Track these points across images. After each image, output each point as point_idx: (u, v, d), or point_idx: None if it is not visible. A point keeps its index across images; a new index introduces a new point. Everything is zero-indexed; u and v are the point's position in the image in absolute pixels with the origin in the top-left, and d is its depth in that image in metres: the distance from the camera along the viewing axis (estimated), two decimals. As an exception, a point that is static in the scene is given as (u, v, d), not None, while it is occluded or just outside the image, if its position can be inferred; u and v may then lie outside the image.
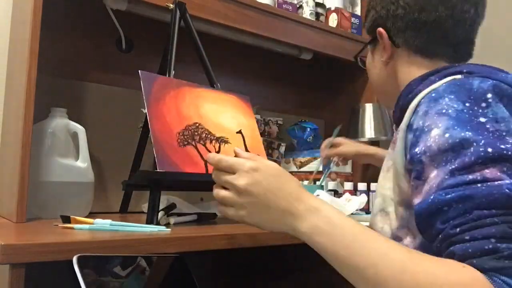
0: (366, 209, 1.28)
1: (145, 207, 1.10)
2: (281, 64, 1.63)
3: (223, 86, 1.13)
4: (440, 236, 0.53)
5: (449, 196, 0.53)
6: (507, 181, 0.51)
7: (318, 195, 1.03)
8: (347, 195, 1.19)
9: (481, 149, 0.53)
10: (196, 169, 0.91)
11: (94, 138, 1.14)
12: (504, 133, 0.55)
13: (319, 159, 1.41)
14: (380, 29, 0.78)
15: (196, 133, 0.96)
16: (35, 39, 0.87)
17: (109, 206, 1.19)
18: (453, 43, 0.74)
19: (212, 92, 1.08)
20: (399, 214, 0.67)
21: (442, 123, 0.57)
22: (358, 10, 1.70)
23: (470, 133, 0.55)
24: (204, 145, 0.96)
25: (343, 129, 1.63)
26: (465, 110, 0.57)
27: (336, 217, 0.57)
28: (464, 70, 0.66)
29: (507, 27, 1.51)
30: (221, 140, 1.00)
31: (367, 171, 1.61)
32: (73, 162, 0.99)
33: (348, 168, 1.50)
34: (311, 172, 1.37)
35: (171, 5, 1.09)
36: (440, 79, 0.66)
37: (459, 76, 0.64)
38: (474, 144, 0.54)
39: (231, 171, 0.65)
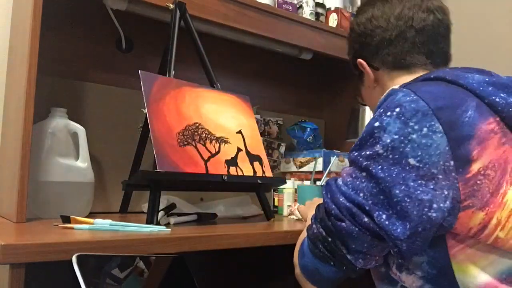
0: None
1: (145, 207, 1.10)
2: (281, 64, 1.63)
3: (223, 86, 1.13)
4: None
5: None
6: (338, 179, 0.71)
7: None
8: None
9: (353, 151, 0.69)
10: (196, 169, 0.91)
11: (94, 138, 1.14)
12: (379, 141, 0.64)
13: (319, 159, 1.41)
14: (359, 60, 0.87)
15: (196, 133, 0.96)
16: (35, 39, 0.87)
17: (109, 206, 1.19)
18: (423, 51, 0.80)
19: (212, 92, 1.08)
20: None
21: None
22: (358, 10, 1.70)
23: (361, 136, 0.68)
24: (204, 145, 0.96)
25: (343, 129, 1.63)
26: (375, 117, 0.67)
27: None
28: (432, 76, 0.72)
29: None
30: (221, 140, 1.00)
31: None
32: (73, 162, 0.99)
33: (348, 168, 1.50)
34: (311, 172, 1.37)
35: (171, 5, 1.09)
36: (406, 85, 0.73)
37: (396, 86, 0.72)
38: (357, 146, 0.69)
39: None
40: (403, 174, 0.61)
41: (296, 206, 1.14)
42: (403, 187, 0.61)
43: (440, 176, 0.60)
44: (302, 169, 1.47)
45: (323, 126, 1.77)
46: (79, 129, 1.01)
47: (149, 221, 0.85)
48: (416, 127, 0.62)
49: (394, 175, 0.62)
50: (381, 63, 0.84)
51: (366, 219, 0.64)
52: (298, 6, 1.47)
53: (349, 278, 0.72)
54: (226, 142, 1.01)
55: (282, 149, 1.55)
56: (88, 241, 0.65)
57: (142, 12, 1.18)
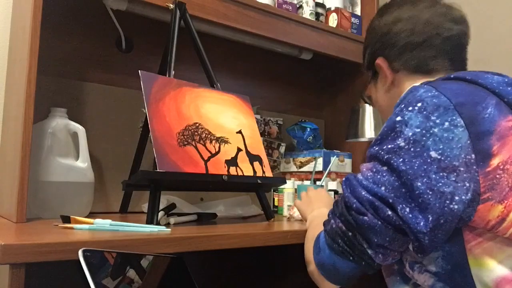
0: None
1: (145, 207, 1.10)
2: (281, 64, 1.63)
3: (223, 86, 1.13)
4: None
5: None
6: (358, 174, 0.71)
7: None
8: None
9: (373, 145, 0.69)
10: (196, 169, 0.91)
11: (94, 138, 1.14)
12: (401, 135, 0.65)
13: (319, 159, 1.41)
14: (378, 61, 0.86)
15: (196, 133, 0.96)
16: (35, 39, 0.87)
17: (109, 206, 1.19)
18: (447, 57, 0.81)
19: (212, 92, 1.08)
20: None
21: None
22: (358, 10, 1.70)
23: (382, 131, 0.68)
24: (204, 145, 0.96)
25: (343, 129, 1.63)
26: (396, 112, 0.67)
27: (323, 212, 0.89)
28: (452, 76, 0.74)
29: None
30: (221, 140, 1.00)
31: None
32: (73, 162, 0.99)
33: (348, 168, 1.51)
34: (311, 172, 1.37)
35: (171, 5, 1.09)
36: (428, 83, 0.73)
37: (418, 84, 0.74)
38: (377, 141, 0.69)
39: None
40: (425, 167, 0.62)
41: (294, 209, 1.14)
42: (425, 179, 0.62)
43: (462, 169, 0.62)
44: (302, 169, 1.47)
45: (323, 126, 1.77)
46: (79, 129, 1.01)
47: (149, 221, 0.85)
48: (438, 121, 0.63)
49: (416, 168, 0.62)
50: (402, 65, 0.83)
51: (389, 212, 0.64)
52: (298, 6, 1.47)
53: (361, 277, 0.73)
54: (226, 142, 1.01)
55: (282, 149, 1.55)
56: (88, 241, 0.65)
57: (142, 12, 1.18)
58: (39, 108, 0.90)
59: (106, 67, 1.26)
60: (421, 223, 0.62)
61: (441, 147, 0.62)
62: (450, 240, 0.65)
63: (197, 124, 0.97)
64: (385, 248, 0.67)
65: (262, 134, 1.50)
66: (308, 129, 1.52)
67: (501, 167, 0.62)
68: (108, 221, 0.78)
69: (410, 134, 0.64)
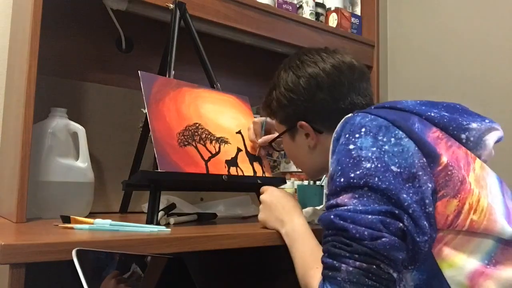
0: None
1: (145, 207, 1.10)
2: (281, 64, 1.63)
3: (223, 86, 1.13)
4: None
5: (320, 216, 0.69)
6: (343, 207, 0.65)
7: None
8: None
9: (337, 179, 0.67)
10: (197, 169, 0.91)
11: (94, 138, 1.14)
12: (362, 159, 0.66)
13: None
14: (302, 122, 0.88)
15: (196, 133, 0.96)
16: (35, 39, 0.87)
17: (109, 206, 1.19)
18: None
19: (212, 93, 1.08)
20: None
21: (330, 159, 0.73)
22: (358, 10, 1.70)
23: (338, 163, 0.68)
24: (204, 145, 0.96)
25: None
26: (343, 142, 0.70)
27: (298, 228, 0.80)
28: (373, 107, 0.80)
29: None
30: (221, 141, 1.01)
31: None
32: (73, 162, 0.99)
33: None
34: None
35: (171, 5, 1.09)
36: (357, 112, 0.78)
37: (350, 115, 0.76)
38: (338, 173, 0.68)
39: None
40: (397, 179, 0.65)
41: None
42: (404, 190, 0.65)
43: (420, 173, 0.66)
44: (302, 169, 1.47)
45: (323, 126, 1.77)
46: (79, 129, 1.01)
47: (149, 221, 0.85)
48: (384, 139, 0.68)
49: (393, 182, 0.64)
50: (326, 127, 0.86)
51: (400, 224, 0.63)
52: (298, 6, 1.47)
53: None
54: (226, 142, 1.01)
55: (282, 149, 1.55)
56: (88, 241, 0.65)
57: (142, 12, 1.18)
58: (39, 108, 0.90)
59: (106, 67, 1.26)
60: (420, 233, 0.64)
61: (396, 161, 0.66)
62: None
63: (197, 125, 0.97)
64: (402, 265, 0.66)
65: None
66: (308, 129, 1.52)
67: (451, 163, 0.67)
68: (108, 221, 0.78)
69: (370, 154, 0.66)
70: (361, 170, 0.65)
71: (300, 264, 0.75)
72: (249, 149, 1.06)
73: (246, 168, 1.02)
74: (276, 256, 1.13)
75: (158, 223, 0.86)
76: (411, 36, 1.69)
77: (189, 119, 0.96)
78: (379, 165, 0.65)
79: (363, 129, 0.69)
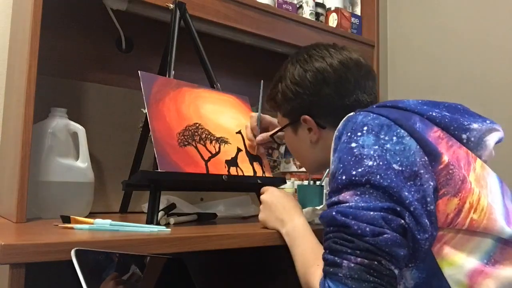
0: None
1: (145, 207, 1.10)
2: (281, 64, 1.62)
3: (223, 86, 1.13)
4: None
5: (322, 214, 0.69)
6: (345, 204, 0.65)
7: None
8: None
9: (339, 177, 0.67)
10: (197, 169, 0.91)
11: (94, 138, 1.14)
12: (364, 157, 0.66)
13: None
14: (306, 116, 0.88)
15: (196, 134, 0.96)
16: (35, 39, 0.87)
17: (109, 206, 1.19)
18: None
19: (212, 93, 1.08)
20: None
21: (332, 158, 0.73)
22: (358, 10, 1.70)
23: (341, 160, 0.68)
24: (204, 145, 0.96)
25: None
26: (345, 140, 0.70)
27: (299, 228, 0.80)
28: (375, 106, 0.80)
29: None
30: (221, 141, 1.01)
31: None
32: (73, 162, 0.99)
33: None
34: (311, 172, 1.37)
35: (171, 5, 1.09)
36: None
37: (352, 113, 0.77)
38: (340, 171, 0.68)
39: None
40: (399, 177, 0.65)
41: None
42: (406, 188, 0.65)
43: (422, 171, 0.66)
44: (302, 169, 1.47)
45: (323, 126, 1.77)
46: (79, 129, 1.01)
47: (149, 221, 0.85)
48: (386, 138, 0.68)
49: (395, 179, 0.64)
50: (330, 123, 0.86)
51: (402, 221, 0.63)
52: (298, 6, 1.47)
53: None
54: (226, 142, 1.01)
55: (282, 149, 1.55)
56: (88, 241, 0.65)
57: (142, 12, 1.18)
58: (39, 108, 0.90)
59: (106, 67, 1.26)
60: (421, 230, 0.64)
61: (398, 159, 0.66)
62: None
63: (197, 125, 0.97)
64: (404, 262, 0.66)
65: (262, 134, 1.50)
66: (308, 129, 1.52)
67: (452, 162, 0.67)
68: (108, 221, 0.78)
69: (372, 152, 0.66)
70: (363, 168, 0.65)
71: (301, 262, 0.75)
72: (249, 149, 1.06)
73: (246, 168, 1.02)
74: (276, 256, 1.13)
75: (158, 223, 0.86)
76: (411, 36, 1.69)
77: (189, 119, 0.96)
78: (381, 163, 0.65)
79: (365, 128, 0.69)
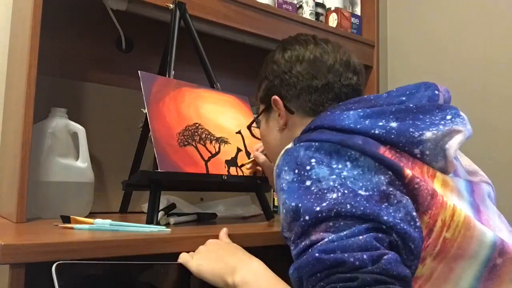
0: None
1: (145, 207, 1.10)
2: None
3: (223, 86, 1.13)
4: None
5: (293, 267, 0.56)
6: (323, 241, 0.54)
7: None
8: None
9: (301, 219, 0.57)
10: (197, 169, 0.91)
11: (94, 138, 1.14)
12: (325, 191, 0.57)
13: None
14: (275, 97, 0.83)
15: (196, 133, 0.96)
16: (35, 39, 0.87)
17: (109, 206, 1.19)
18: (343, 99, 0.79)
19: (212, 93, 1.08)
20: None
21: (281, 199, 0.63)
22: (358, 10, 1.70)
23: (297, 201, 0.58)
24: (204, 145, 0.96)
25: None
26: (294, 179, 0.61)
27: (259, 273, 0.65)
28: (312, 126, 0.71)
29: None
30: (221, 141, 1.01)
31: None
32: (73, 162, 0.99)
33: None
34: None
35: (171, 5, 1.09)
36: (298, 141, 0.69)
37: (290, 145, 0.68)
38: (301, 211, 0.57)
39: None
40: (371, 202, 0.57)
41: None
42: (384, 211, 0.57)
43: (391, 189, 0.59)
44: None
45: (323, 126, 1.76)
46: (79, 129, 1.01)
47: (149, 221, 0.85)
48: (340, 166, 0.61)
49: (368, 205, 0.56)
50: (298, 107, 0.81)
51: (391, 237, 0.56)
52: (298, 6, 1.47)
53: None
54: (226, 142, 1.01)
55: (282, 149, 1.55)
56: (88, 241, 0.65)
57: (142, 12, 1.18)
58: (39, 108, 0.90)
59: (106, 67, 1.26)
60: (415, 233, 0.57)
61: (361, 184, 0.59)
62: None
63: (197, 125, 0.97)
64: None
65: (262, 134, 1.50)
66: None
67: (416, 175, 0.60)
68: (108, 221, 0.78)
69: (332, 183, 0.58)
70: (327, 202, 0.56)
71: None
72: (249, 149, 1.06)
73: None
74: (276, 256, 1.13)
75: (158, 223, 0.86)
76: (411, 36, 1.69)
77: (189, 119, 0.97)
78: (346, 192, 0.57)
79: (313, 160, 0.61)
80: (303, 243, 0.56)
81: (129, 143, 1.19)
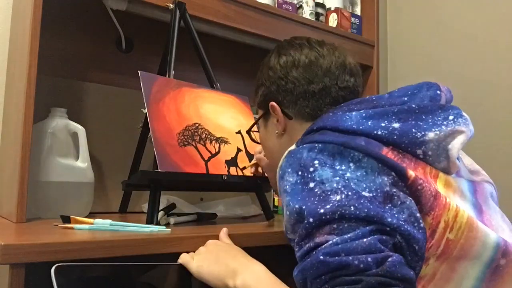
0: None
1: (145, 207, 1.10)
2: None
3: (223, 86, 1.13)
4: None
5: (297, 269, 0.57)
6: (327, 244, 0.54)
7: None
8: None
9: (305, 221, 0.57)
10: (197, 169, 0.91)
11: (94, 138, 1.14)
12: (329, 193, 0.57)
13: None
14: (273, 103, 0.82)
15: (196, 134, 0.96)
16: (35, 39, 0.87)
17: (109, 206, 1.19)
18: (341, 102, 0.78)
19: (212, 93, 1.08)
20: None
21: (284, 201, 0.63)
22: (358, 10, 1.70)
23: (300, 203, 0.58)
24: (204, 145, 0.96)
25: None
26: (298, 181, 0.60)
27: (261, 276, 0.65)
28: (315, 128, 0.70)
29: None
30: (221, 141, 1.01)
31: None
32: (73, 162, 0.99)
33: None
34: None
35: (171, 5, 1.09)
36: (301, 143, 0.68)
37: (293, 147, 0.68)
38: (305, 213, 0.57)
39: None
40: (374, 204, 0.57)
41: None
42: (388, 213, 0.57)
43: (394, 190, 0.59)
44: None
45: (323, 126, 1.76)
46: (79, 129, 1.01)
47: (149, 221, 0.85)
48: (343, 167, 0.60)
49: (371, 207, 0.56)
50: (296, 113, 0.80)
51: (396, 239, 0.56)
52: (298, 6, 1.47)
53: None
54: (226, 142, 1.01)
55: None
56: (88, 241, 0.65)
57: (142, 12, 1.18)
58: (39, 108, 0.90)
59: (106, 67, 1.26)
60: (419, 234, 0.57)
61: (364, 186, 0.58)
62: None
63: (197, 125, 0.97)
64: None
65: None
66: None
67: (419, 176, 0.60)
68: (108, 221, 0.78)
69: (335, 185, 0.58)
70: (331, 204, 0.56)
71: None
72: (248, 149, 1.06)
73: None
74: (276, 256, 1.13)
75: (158, 223, 0.86)
76: (411, 36, 1.69)
77: (189, 119, 0.97)
78: (349, 193, 0.57)
79: (316, 162, 0.61)
80: (307, 245, 0.56)
81: (129, 143, 1.19)
